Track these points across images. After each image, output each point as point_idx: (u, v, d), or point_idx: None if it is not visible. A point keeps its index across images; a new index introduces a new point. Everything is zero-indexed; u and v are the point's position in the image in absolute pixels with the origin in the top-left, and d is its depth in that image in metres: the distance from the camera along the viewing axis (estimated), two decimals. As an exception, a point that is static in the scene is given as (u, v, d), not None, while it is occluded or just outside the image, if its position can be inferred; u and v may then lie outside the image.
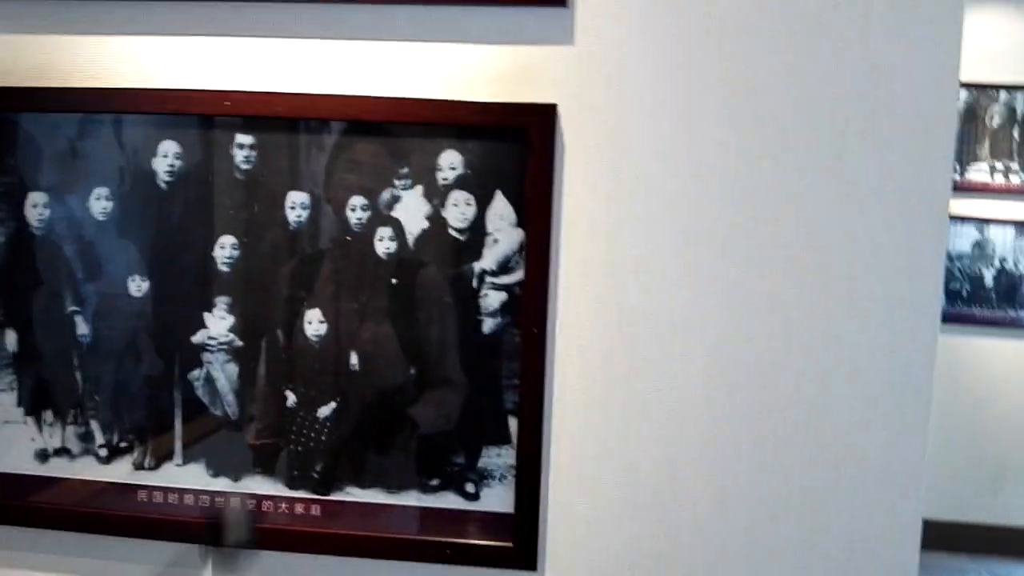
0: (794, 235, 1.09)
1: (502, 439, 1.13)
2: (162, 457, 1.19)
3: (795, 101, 1.07)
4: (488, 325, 1.13)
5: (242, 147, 1.14)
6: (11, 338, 1.21)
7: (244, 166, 1.15)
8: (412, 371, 1.15)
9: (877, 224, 1.07)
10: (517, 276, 1.12)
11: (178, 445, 1.19)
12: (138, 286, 1.18)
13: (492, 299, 1.13)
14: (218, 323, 1.16)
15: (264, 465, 1.18)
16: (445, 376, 1.14)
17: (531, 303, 1.11)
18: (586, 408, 1.13)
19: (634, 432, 1.13)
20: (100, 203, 1.18)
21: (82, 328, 1.19)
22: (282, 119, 1.13)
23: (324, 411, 1.16)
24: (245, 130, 1.14)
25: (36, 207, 1.19)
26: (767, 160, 1.08)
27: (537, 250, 1.11)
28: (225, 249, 1.16)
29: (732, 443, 1.11)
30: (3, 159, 1.19)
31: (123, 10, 1.16)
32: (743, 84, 1.08)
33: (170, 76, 1.16)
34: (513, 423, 1.13)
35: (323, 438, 1.16)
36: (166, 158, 1.16)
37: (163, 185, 1.16)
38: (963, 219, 3.85)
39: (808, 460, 1.11)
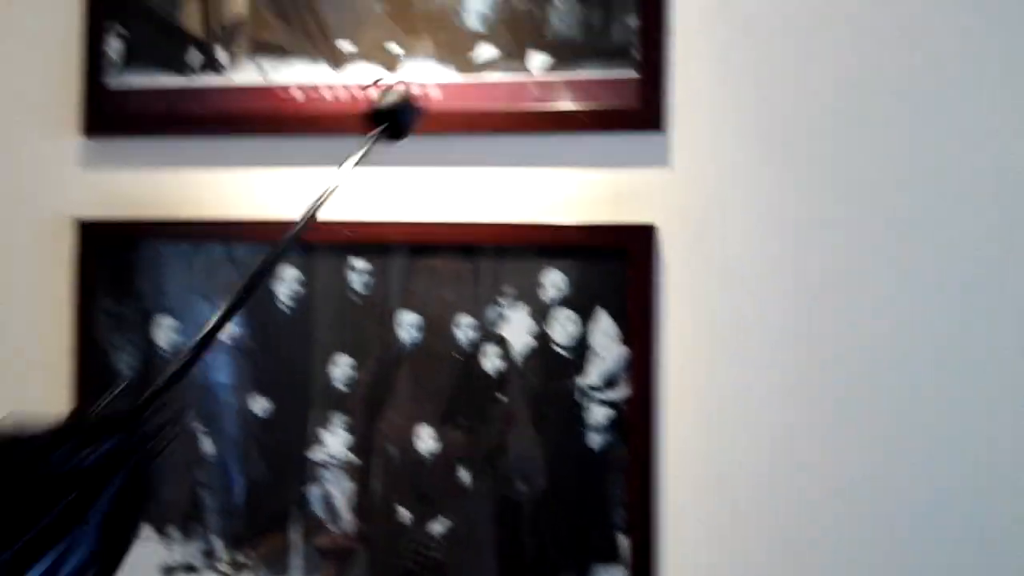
0: (902, 351, 1.09)
1: (612, 557, 1.14)
2: (280, 573, 1.23)
3: (892, 225, 1.09)
4: (595, 441, 1.15)
5: (358, 272, 1.21)
6: (140, 456, 1.28)
7: (359, 289, 1.21)
8: (521, 487, 1.17)
9: (1003, 345, 1.07)
10: (622, 392, 1.14)
11: (296, 561, 1.22)
12: (259, 404, 1.24)
13: (598, 415, 1.15)
14: (335, 441, 1.21)
15: (377, 581, 1.20)
16: (553, 493, 1.16)
17: (637, 419, 1.13)
18: (697, 525, 1.13)
19: (747, 552, 1.12)
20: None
21: (206, 445, 1.25)
22: (395, 245, 1.20)
23: (436, 527, 1.19)
24: (361, 256, 1.21)
25: (164, 330, 1.28)
26: (869, 278, 1.09)
27: (641, 366, 1.13)
28: (341, 368, 1.21)
29: (852, 569, 1.09)
30: (134, 284, 1.29)
31: (251, 145, 1.26)
32: (841, 201, 1.10)
33: (293, 206, 1.24)
34: (624, 540, 1.13)
35: (436, 554, 1.18)
36: (286, 281, 1.23)
37: (283, 307, 1.23)
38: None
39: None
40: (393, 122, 0.91)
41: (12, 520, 0.54)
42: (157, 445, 0.61)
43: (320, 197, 0.82)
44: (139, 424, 0.60)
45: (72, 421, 0.58)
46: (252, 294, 0.75)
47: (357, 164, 0.84)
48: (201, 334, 0.71)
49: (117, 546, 0.57)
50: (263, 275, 0.77)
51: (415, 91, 0.91)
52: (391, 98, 0.91)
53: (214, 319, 0.72)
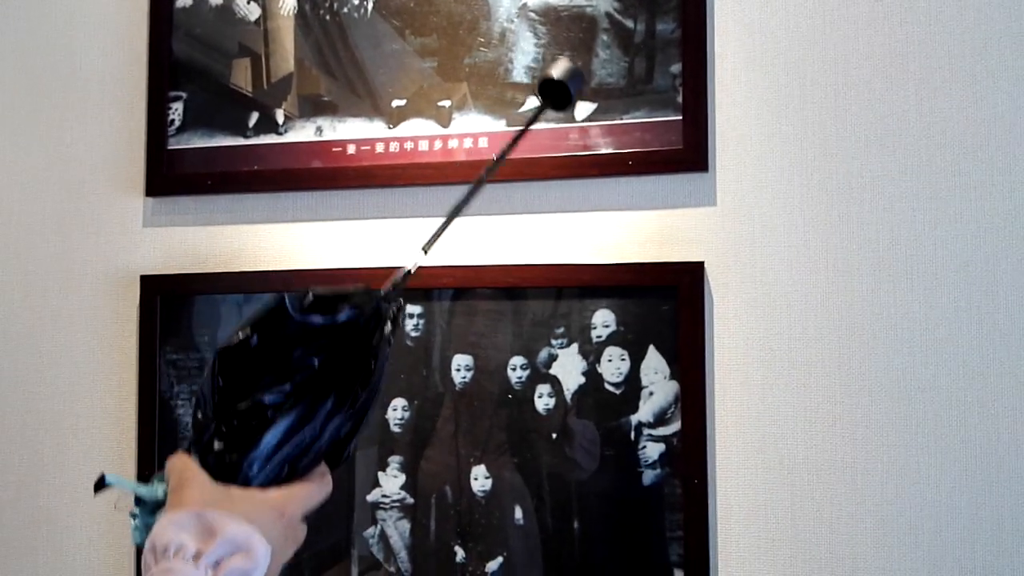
0: (952, 376, 1.09)
1: (671, 592, 1.14)
2: (341, 614, 1.24)
3: (939, 250, 1.11)
4: (648, 477, 1.16)
5: (411, 316, 1.25)
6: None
7: (413, 333, 1.25)
8: (576, 524, 1.18)
9: (1038, 363, 1.07)
10: (674, 427, 1.15)
11: (357, 602, 1.24)
12: (318, 448, 1.27)
13: (651, 451, 1.16)
14: (391, 481, 1.23)
15: (434, 622, 1.21)
16: (608, 529, 1.16)
17: (690, 453, 1.14)
18: (752, 559, 1.13)
19: (805, 583, 1.11)
20: (284, 372, 1.29)
21: (266, 489, 1.28)
22: (447, 289, 1.23)
23: (492, 566, 1.20)
24: (414, 301, 1.25)
25: (225, 378, 1.31)
26: (917, 305, 1.11)
27: (692, 401, 1.14)
28: (397, 411, 1.24)
29: (911, 593, 1.09)
30: (193, 335, 1.33)
31: (305, 199, 1.31)
32: (884, 231, 1.12)
33: (345, 256, 1.29)
34: (679, 575, 1.13)
35: (492, 593, 1.19)
36: (343, 329, 1.27)
37: (340, 354, 1.27)
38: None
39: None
40: (559, 93, 0.93)
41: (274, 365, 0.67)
42: (389, 319, 0.72)
43: (507, 148, 0.86)
44: (375, 301, 0.70)
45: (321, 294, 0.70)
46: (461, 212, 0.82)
47: (528, 127, 0.89)
48: (427, 242, 0.80)
49: (359, 401, 0.69)
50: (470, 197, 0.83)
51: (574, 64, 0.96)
52: (557, 69, 0.96)
53: (443, 222, 0.81)
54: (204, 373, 0.68)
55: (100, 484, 0.68)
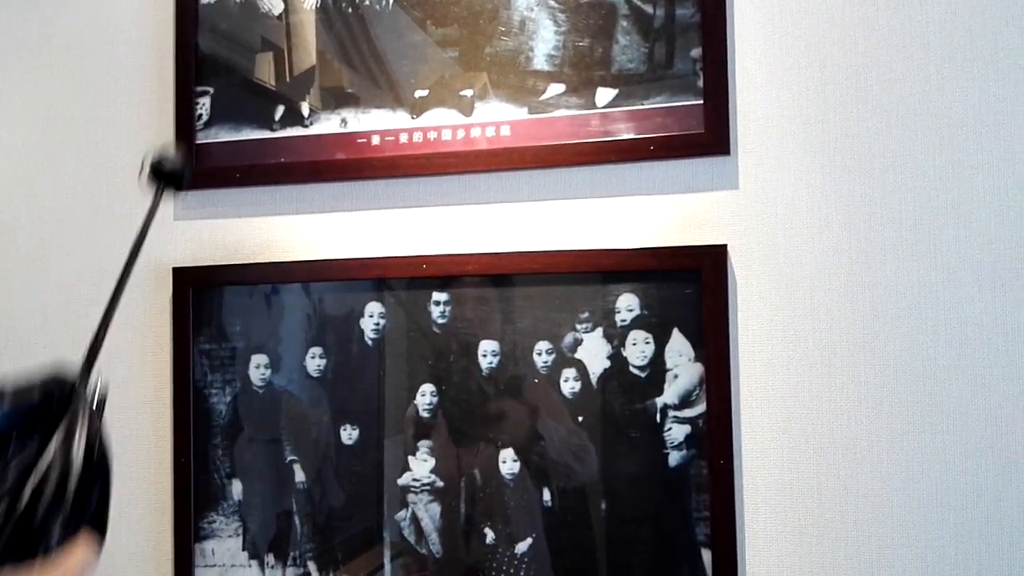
0: (976, 355, 1.10)
1: (696, 572, 1.15)
2: (375, 595, 1.27)
3: (963, 228, 1.11)
4: (674, 458, 1.17)
5: (438, 304, 1.27)
6: (237, 487, 1.34)
7: (440, 320, 1.27)
8: (603, 505, 1.19)
9: (1063, 340, 1.07)
10: (699, 409, 1.17)
11: (389, 583, 1.27)
12: (348, 434, 1.29)
13: (676, 433, 1.18)
14: (421, 465, 1.26)
15: (465, 602, 1.23)
16: (635, 510, 1.18)
17: (716, 435, 1.15)
18: (779, 538, 1.14)
19: (830, 563, 1.12)
20: (315, 361, 1.32)
21: (299, 475, 1.31)
22: (473, 276, 1.25)
23: (521, 547, 1.22)
24: (440, 288, 1.27)
25: (259, 368, 1.34)
26: (940, 285, 1.11)
27: (717, 383, 1.16)
28: (425, 396, 1.26)
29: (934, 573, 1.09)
30: (230, 326, 1.36)
31: (331, 190, 1.33)
32: (907, 213, 1.13)
33: (371, 246, 1.31)
34: (706, 555, 1.15)
35: (521, 574, 1.21)
36: (372, 318, 1.29)
37: (369, 342, 1.29)
38: None
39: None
40: (172, 177, 0.95)
41: None
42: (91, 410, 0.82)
43: (136, 245, 0.85)
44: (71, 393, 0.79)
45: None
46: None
47: (150, 219, 0.86)
48: (103, 315, 0.83)
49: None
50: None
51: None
52: (168, 159, 0.96)
53: (112, 295, 0.84)
54: None
55: None
